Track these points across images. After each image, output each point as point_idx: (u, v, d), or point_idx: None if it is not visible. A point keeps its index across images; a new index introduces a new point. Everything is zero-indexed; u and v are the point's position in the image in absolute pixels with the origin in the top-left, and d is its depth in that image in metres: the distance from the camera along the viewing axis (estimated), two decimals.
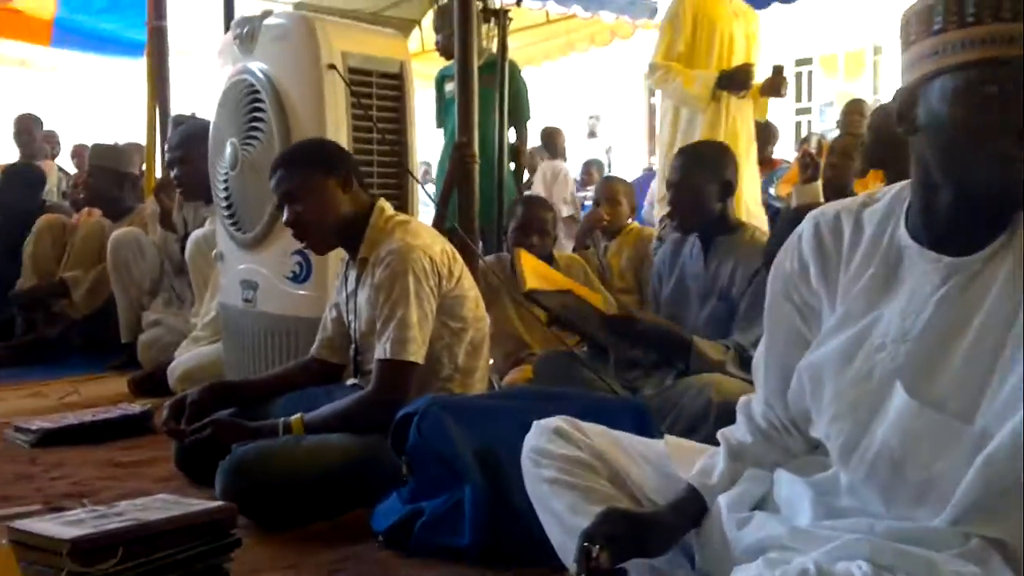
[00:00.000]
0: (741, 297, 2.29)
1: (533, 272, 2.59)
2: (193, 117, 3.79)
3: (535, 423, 1.46)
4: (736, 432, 1.32)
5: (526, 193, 4.58)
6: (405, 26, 6.37)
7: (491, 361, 3.21)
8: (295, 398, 2.22)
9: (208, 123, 3.34)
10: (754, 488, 1.26)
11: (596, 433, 1.43)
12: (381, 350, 2.05)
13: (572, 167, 8.78)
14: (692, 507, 1.27)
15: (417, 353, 2.04)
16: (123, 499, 1.86)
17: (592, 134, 8.91)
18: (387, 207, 2.22)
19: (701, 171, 2.39)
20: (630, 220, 3.92)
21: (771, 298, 1.28)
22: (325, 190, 2.14)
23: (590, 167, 8.46)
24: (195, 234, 3.41)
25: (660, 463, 1.38)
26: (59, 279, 3.97)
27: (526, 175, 5.66)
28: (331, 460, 1.97)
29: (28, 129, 5.49)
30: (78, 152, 7.05)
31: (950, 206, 1.08)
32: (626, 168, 8.63)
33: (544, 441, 1.40)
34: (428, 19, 6.29)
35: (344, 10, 5.24)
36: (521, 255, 2.73)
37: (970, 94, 1.03)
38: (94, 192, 4.07)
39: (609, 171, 8.48)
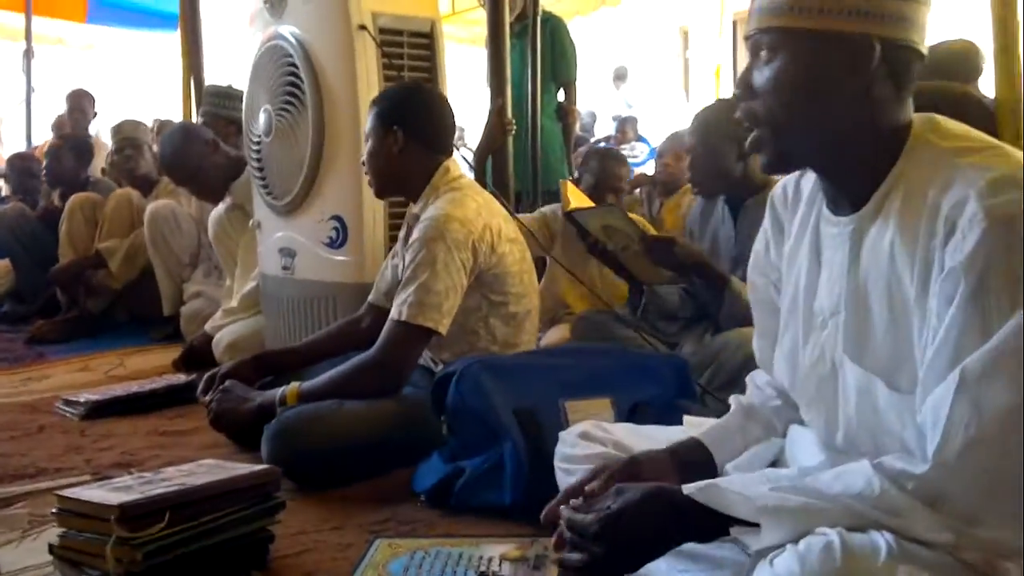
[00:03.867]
0: None
1: (576, 197, 2.59)
2: (229, 87, 3.79)
3: (561, 433, 1.49)
4: (749, 397, 1.34)
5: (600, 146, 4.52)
6: None
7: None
8: (337, 363, 2.23)
9: (187, 124, 3.41)
10: (764, 451, 1.26)
11: (619, 428, 1.47)
12: (396, 311, 2.02)
13: (604, 124, 8.70)
14: (690, 452, 1.27)
15: (434, 320, 1.99)
16: (171, 467, 1.90)
17: (620, 78, 8.78)
18: (453, 169, 2.19)
19: (717, 130, 2.30)
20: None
21: (749, 275, 1.29)
22: (382, 140, 2.15)
23: (624, 125, 8.35)
24: (215, 213, 3.41)
25: None
26: (95, 251, 4.02)
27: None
28: (373, 423, 1.97)
29: (80, 107, 5.55)
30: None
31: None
32: (658, 125, 8.51)
33: (569, 448, 1.43)
34: None
35: None
36: (566, 185, 2.74)
37: None
38: (136, 167, 4.10)
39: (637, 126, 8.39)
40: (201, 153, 3.26)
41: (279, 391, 2.05)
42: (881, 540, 0.91)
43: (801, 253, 1.16)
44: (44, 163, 4.50)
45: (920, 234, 0.98)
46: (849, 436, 1.09)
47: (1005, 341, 0.89)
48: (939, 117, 1.05)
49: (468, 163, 3.20)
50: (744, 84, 1.09)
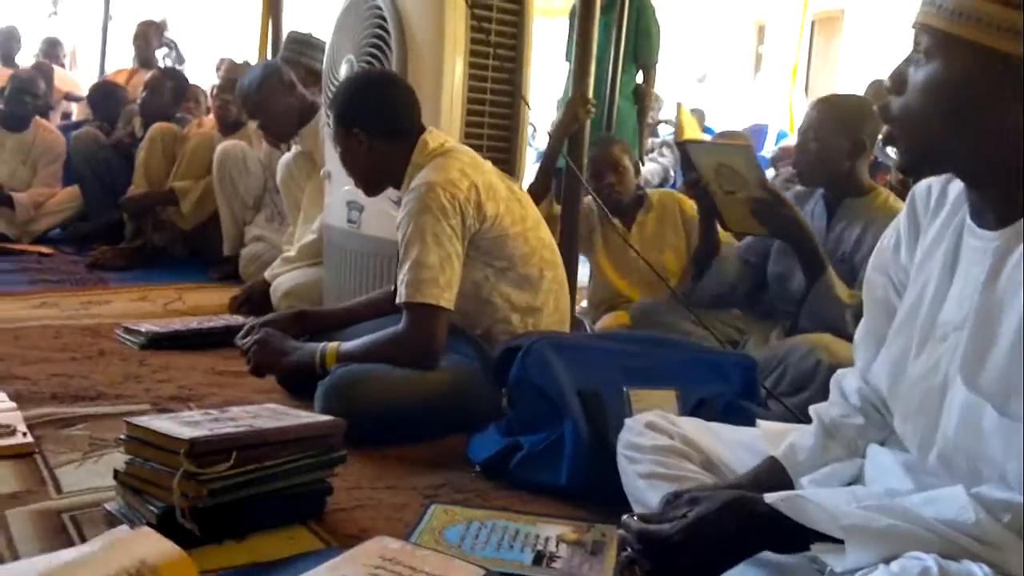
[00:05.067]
0: (865, 262, 2.17)
1: (690, 127, 2.49)
2: (310, 36, 3.78)
3: (627, 420, 1.47)
4: (830, 409, 1.28)
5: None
6: None
7: (582, 303, 3.18)
8: (376, 325, 2.20)
9: (271, 61, 3.41)
10: (844, 469, 1.22)
11: (688, 422, 1.44)
12: (400, 294, 2.00)
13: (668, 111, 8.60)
14: (772, 479, 1.23)
15: (434, 294, 1.95)
16: (227, 406, 1.91)
17: (700, 80, 8.73)
18: (431, 141, 2.13)
19: (833, 124, 2.24)
20: None
21: (869, 272, 1.24)
22: (347, 144, 2.14)
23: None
24: (284, 158, 3.43)
25: (754, 446, 1.35)
26: (169, 188, 4.06)
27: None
28: (428, 388, 1.97)
29: (145, 34, 5.60)
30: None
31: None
32: (729, 120, 8.38)
33: (636, 435, 1.41)
34: None
35: None
36: (682, 110, 2.64)
37: None
38: (224, 106, 4.10)
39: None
40: (275, 89, 3.27)
41: (319, 347, 2.05)
42: (979, 572, 0.87)
43: (935, 260, 1.11)
44: (143, 94, 4.51)
45: None
46: (944, 456, 1.05)
47: None
48: None
49: (534, 128, 3.14)
50: (898, 77, 1.03)
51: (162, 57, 5.82)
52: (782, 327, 2.36)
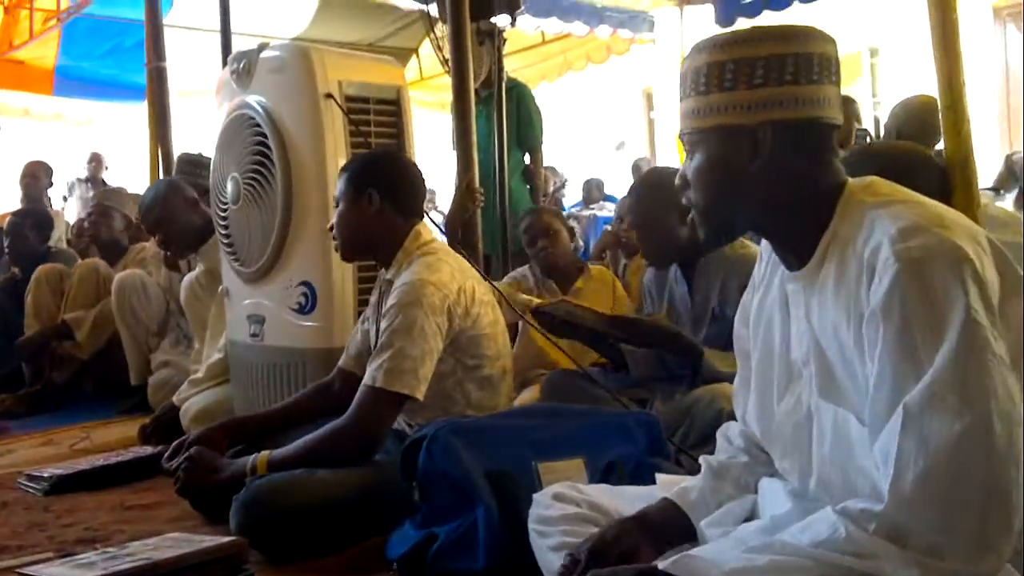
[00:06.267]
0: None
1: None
2: (200, 156, 3.80)
3: (535, 496, 1.49)
4: (718, 455, 1.36)
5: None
6: (403, 55, 6.41)
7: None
8: (308, 431, 2.20)
9: (173, 179, 3.45)
10: (738, 508, 1.28)
11: (594, 489, 1.48)
12: (370, 376, 2.00)
13: (575, 187, 8.85)
14: (660, 514, 1.29)
15: (411, 386, 1.98)
16: (136, 541, 1.85)
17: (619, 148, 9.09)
18: (424, 233, 2.21)
19: (650, 205, 2.32)
20: None
21: (736, 325, 1.35)
22: (353, 204, 2.16)
23: (591, 186, 8.49)
24: (188, 277, 3.41)
25: (654, 499, 1.38)
26: (61, 321, 3.96)
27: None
28: (344, 490, 1.94)
29: (32, 172, 5.55)
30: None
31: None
32: (627, 184, 8.64)
33: (544, 509, 1.44)
34: (425, 47, 6.34)
35: (341, 42, 5.28)
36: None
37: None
38: (99, 233, 4.07)
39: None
40: (177, 206, 3.28)
41: (249, 459, 2.02)
42: None
43: (773, 307, 1.22)
44: (6, 241, 4.44)
45: (852, 283, 1.05)
46: (822, 479, 1.12)
47: (939, 372, 0.94)
48: (877, 179, 1.14)
49: (438, 227, 3.23)
50: (682, 177, 1.21)
51: (78, 196, 5.78)
52: (687, 383, 2.41)
